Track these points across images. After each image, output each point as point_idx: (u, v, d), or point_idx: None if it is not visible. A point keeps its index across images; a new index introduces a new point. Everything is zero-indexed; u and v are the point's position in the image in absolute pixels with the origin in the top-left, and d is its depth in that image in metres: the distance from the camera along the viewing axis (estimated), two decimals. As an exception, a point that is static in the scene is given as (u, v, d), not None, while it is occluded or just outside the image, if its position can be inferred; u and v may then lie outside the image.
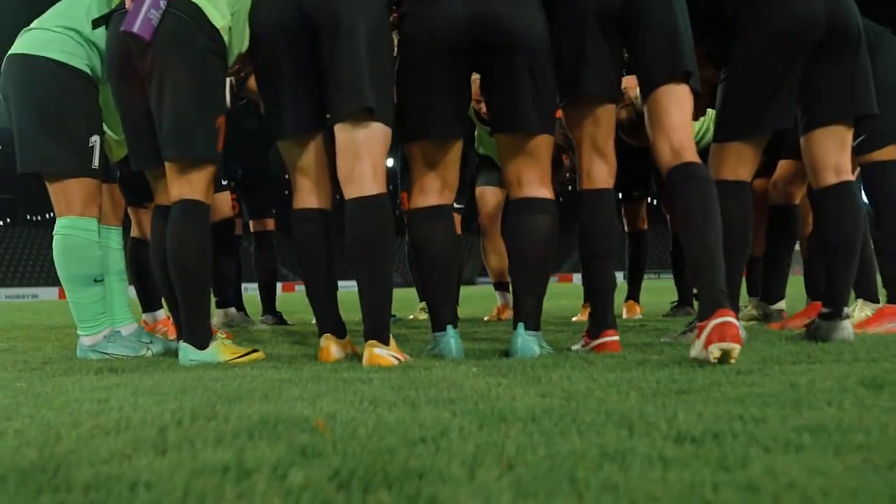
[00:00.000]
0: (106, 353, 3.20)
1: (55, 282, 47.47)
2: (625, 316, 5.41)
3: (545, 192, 2.89)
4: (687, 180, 2.64)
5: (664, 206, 5.67)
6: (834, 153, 3.02)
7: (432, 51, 2.77)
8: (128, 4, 2.80)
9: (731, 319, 2.39)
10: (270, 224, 5.57)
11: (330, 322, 2.94)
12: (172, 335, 4.03)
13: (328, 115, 2.86)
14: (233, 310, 5.18)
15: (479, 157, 5.76)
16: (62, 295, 39.71)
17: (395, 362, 2.65)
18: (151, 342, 3.35)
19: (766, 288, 4.27)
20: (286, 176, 3.17)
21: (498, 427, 1.47)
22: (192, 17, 2.80)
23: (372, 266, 2.71)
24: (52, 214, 3.52)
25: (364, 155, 2.72)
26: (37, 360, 3.18)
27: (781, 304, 4.28)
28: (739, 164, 3.01)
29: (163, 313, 4.31)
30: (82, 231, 3.19)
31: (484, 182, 5.64)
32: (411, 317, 6.11)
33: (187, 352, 2.84)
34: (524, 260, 2.86)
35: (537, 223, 2.85)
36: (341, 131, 2.74)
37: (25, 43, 3.16)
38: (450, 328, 2.88)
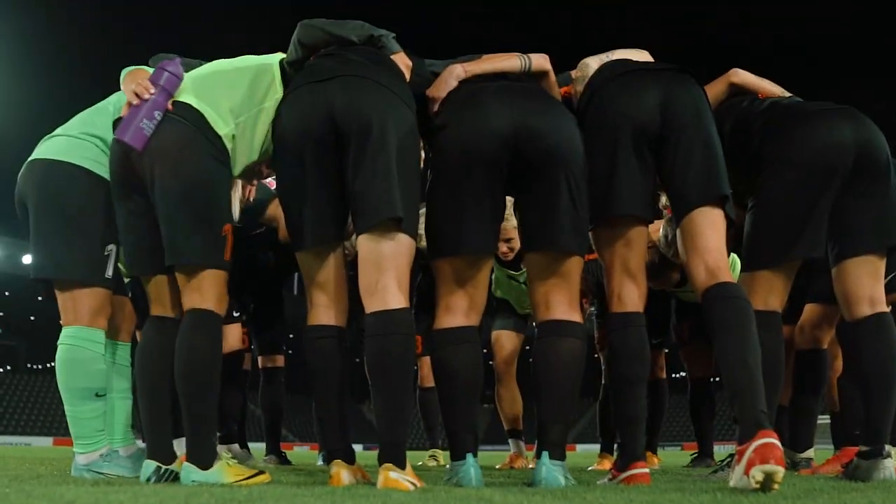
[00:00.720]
0: (101, 473, 3.02)
1: (50, 431, 46.59)
2: (643, 467, 5.18)
3: (574, 315, 2.79)
4: (724, 300, 2.56)
5: (682, 354, 5.55)
6: (868, 284, 2.95)
7: (470, 164, 2.71)
8: (123, 112, 2.78)
9: (774, 441, 2.25)
10: (280, 361, 5.42)
11: (340, 446, 2.77)
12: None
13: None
14: (236, 446, 4.96)
15: (495, 301, 5.68)
16: (56, 442, 38.83)
17: (412, 488, 2.47)
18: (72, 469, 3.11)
19: (793, 435, 4.09)
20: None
21: (540, 526, 1.32)
22: (193, 122, 2.77)
23: (390, 382, 2.57)
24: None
25: (389, 268, 2.63)
26: (28, 474, 3.01)
27: (810, 453, 4.09)
28: (770, 293, 2.93)
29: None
30: (88, 342, 3.07)
31: (500, 326, 5.52)
32: (420, 464, 5.87)
33: (189, 472, 2.65)
34: (551, 385, 2.72)
35: (565, 346, 2.74)
36: (366, 242, 2.65)
37: (48, 149, 3.15)
38: (469, 457, 2.72)
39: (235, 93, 2.88)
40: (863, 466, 2.85)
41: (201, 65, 3.32)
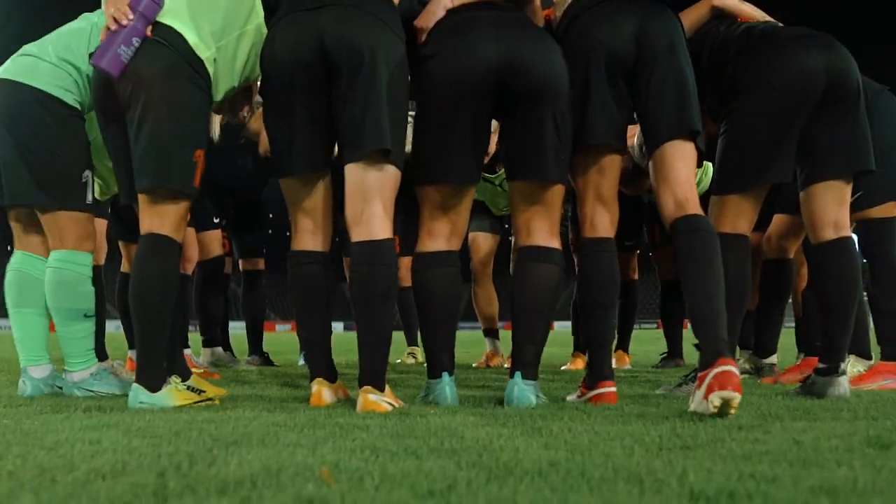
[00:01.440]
0: (91, 391, 3.14)
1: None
2: (614, 365, 5.36)
3: (553, 242, 2.88)
4: (691, 232, 2.64)
5: (653, 256, 5.69)
6: (833, 208, 3.04)
7: (457, 94, 2.75)
8: (101, 37, 2.78)
9: (732, 368, 2.37)
10: (261, 264, 5.53)
11: (322, 366, 2.89)
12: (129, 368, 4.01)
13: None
14: (219, 349, 5.12)
15: (471, 202, 5.74)
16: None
17: (390, 408, 2.61)
18: (62, 388, 3.20)
19: (758, 342, 4.27)
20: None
21: (506, 481, 1.43)
22: (174, 45, 2.76)
23: (373, 311, 2.68)
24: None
25: (375, 197, 2.69)
26: (3, 395, 3.14)
27: (773, 358, 4.28)
28: (739, 217, 3.01)
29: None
30: (74, 265, 3.13)
31: (476, 228, 5.62)
32: (398, 361, 6.05)
33: (137, 393, 2.71)
34: (527, 308, 2.83)
35: (543, 272, 2.83)
36: (353, 171, 2.70)
37: (19, 69, 3.11)
38: (445, 375, 2.85)
39: (216, 15, 2.85)
40: (819, 382, 3.01)
41: None
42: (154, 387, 2.73)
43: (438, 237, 2.91)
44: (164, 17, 2.78)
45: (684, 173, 2.74)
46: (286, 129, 2.78)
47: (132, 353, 4.33)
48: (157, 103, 2.70)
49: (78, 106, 3.12)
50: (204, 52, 2.79)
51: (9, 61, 3.18)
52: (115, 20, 2.71)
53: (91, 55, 3.07)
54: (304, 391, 3.27)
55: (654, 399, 2.91)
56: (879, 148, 3.26)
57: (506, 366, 5.32)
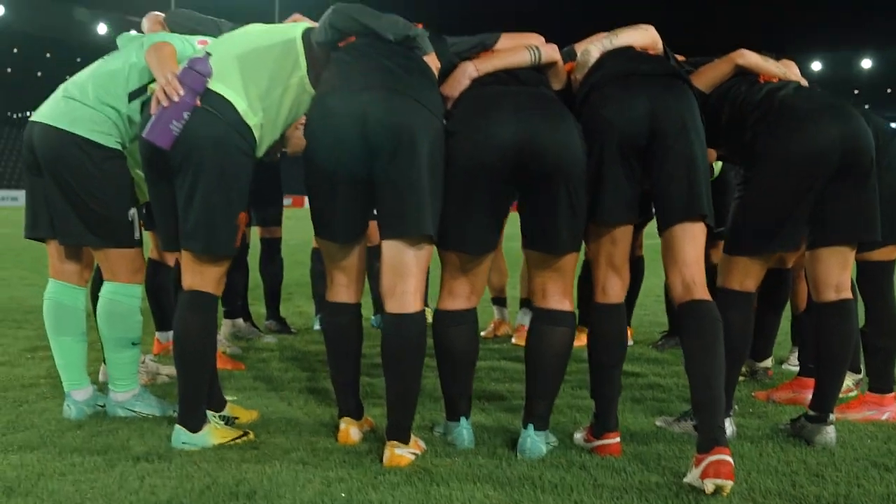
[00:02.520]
0: (133, 411, 3.39)
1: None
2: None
3: (567, 305, 3.07)
4: (697, 319, 2.82)
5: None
6: (836, 273, 3.21)
7: (475, 173, 2.89)
8: (152, 109, 2.88)
9: (726, 458, 2.61)
10: (278, 232, 5.70)
11: (351, 405, 3.17)
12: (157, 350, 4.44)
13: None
14: (240, 320, 5.33)
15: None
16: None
17: (413, 458, 2.90)
18: (105, 405, 3.45)
19: (754, 348, 4.48)
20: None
21: None
22: (224, 113, 2.88)
23: (403, 376, 2.91)
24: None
25: (410, 274, 2.89)
26: (52, 419, 3.37)
27: (767, 362, 4.52)
28: (746, 277, 3.19)
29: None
30: (125, 297, 3.36)
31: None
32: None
33: (180, 434, 3.00)
34: (541, 368, 3.04)
35: (557, 335, 3.03)
36: (391, 247, 2.88)
37: (60, 115, 3.21)
38: (463, 419, 3.12)
39: (262, 76, 2.96)
40: (808, 427, 3.24)
41: (215, 23, 3.35)
42: (195, 428, 3.00)
43: (458, 296, 3.12)
44: (214, 84, 2.88)
45: (693, 254, 2.90)
46: (328, 199, 2.95)
47: (160, 335, 4.57)
48: (207, 173, 2.84)
49: (119, 147, 3.24)
50: (252, 119, 2.90)
51: (50, 102, 3.28)
52: (166, 94, 2.81)
53: (131, 95, 3.19)
54: (331, 407, 3.52)
55: (654, 448, 3.13)
56: (884, 192, 3.37)
57: (514, 340, 5.57)
